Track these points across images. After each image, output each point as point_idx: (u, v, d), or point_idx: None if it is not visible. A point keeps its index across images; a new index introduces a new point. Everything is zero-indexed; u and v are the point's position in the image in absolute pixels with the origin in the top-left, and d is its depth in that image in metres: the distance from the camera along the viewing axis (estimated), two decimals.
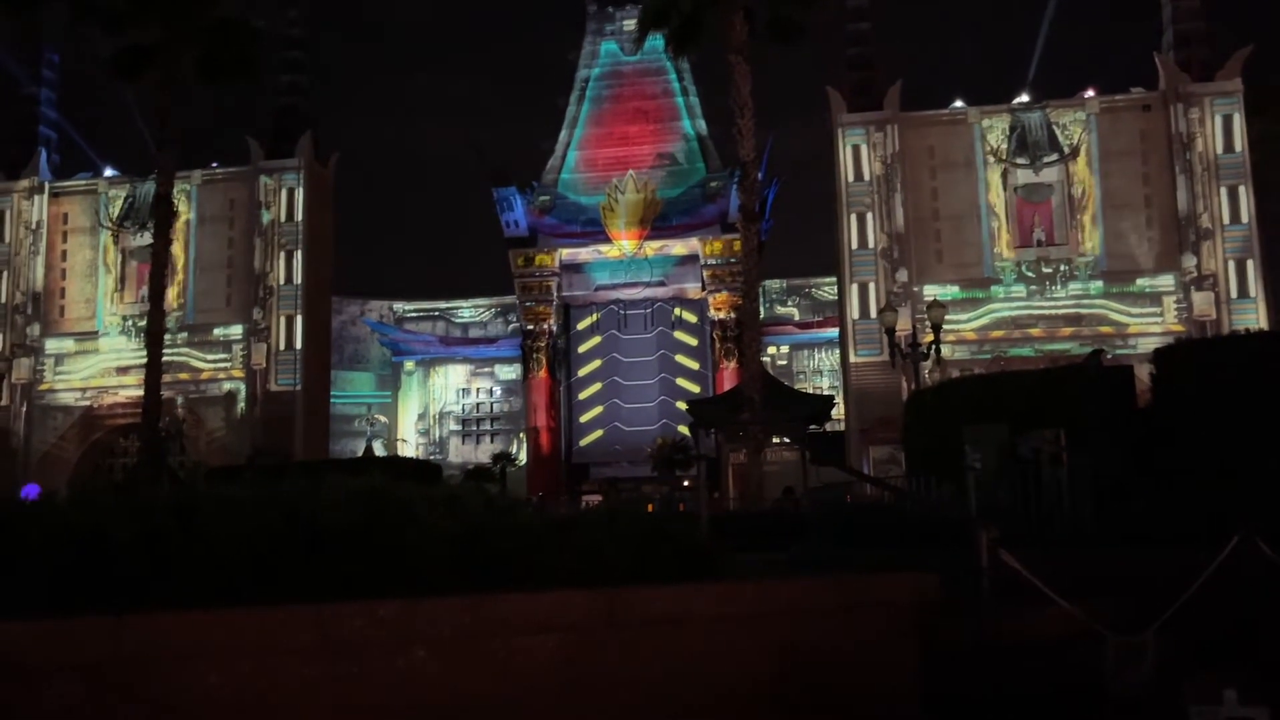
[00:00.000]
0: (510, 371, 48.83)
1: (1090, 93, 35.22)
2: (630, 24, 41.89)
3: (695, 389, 44.42)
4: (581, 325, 46.62)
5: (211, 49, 27.53)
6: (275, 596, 4.38)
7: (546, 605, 4.63)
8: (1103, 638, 5.85)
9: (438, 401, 50.67)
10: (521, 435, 46.63)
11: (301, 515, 4.81)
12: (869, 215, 34.60)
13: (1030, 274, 34.11)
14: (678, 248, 44.18)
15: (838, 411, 36.58)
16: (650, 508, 28.30)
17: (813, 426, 34.72)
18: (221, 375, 37.92)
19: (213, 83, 28.12)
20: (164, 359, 27.92)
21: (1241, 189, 33.23)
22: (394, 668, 4.32)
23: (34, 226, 39.27)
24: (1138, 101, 34.83)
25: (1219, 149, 33.43)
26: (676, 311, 46.16)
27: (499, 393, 50.25)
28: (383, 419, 49.98)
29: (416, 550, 4.78)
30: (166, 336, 29.05)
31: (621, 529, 5.58)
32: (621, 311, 46.24)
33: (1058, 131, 34.58)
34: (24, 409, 38.52)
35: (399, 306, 51.68)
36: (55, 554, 4.57)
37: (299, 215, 37.93)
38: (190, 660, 4.02)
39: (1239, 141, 33.43)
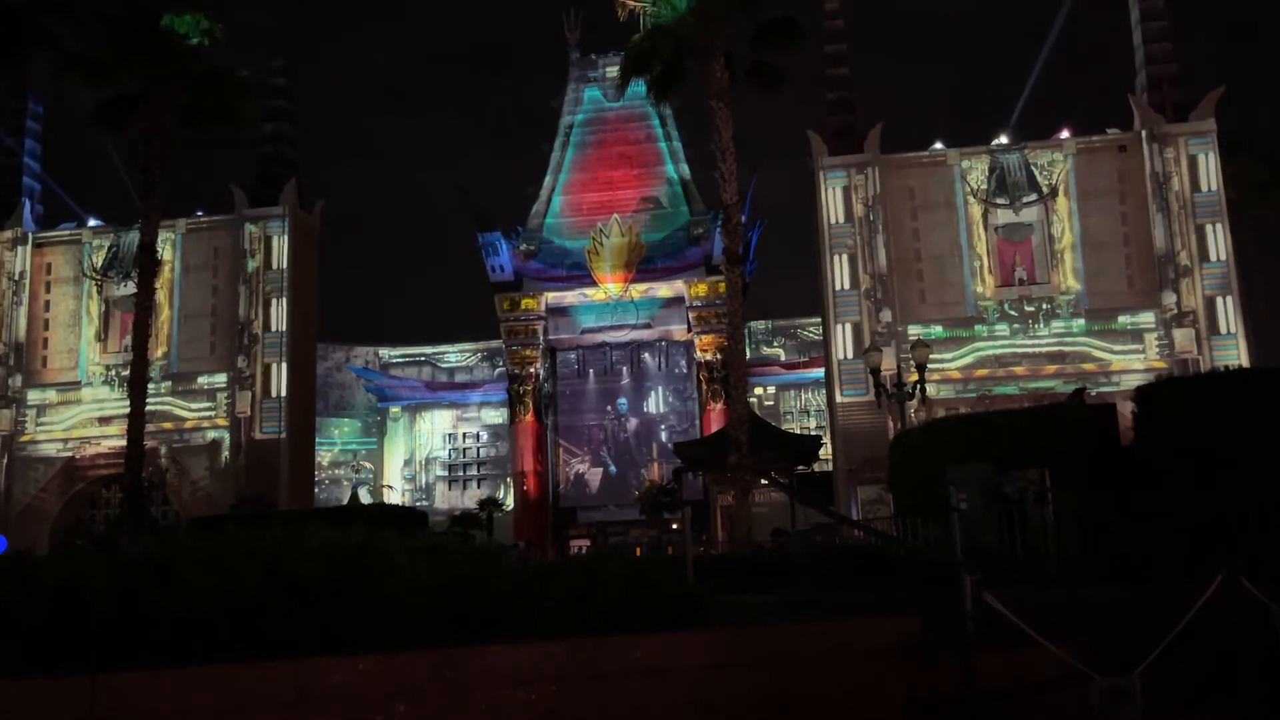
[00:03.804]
0: (497, 416, 48.67)
1: (1065, 133, 35.68)
2: (613, 71, 42.38)
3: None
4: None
5: (197, 99, 27.66)
6: (255, 651, 4.33)
7: (527, 656, 4.59)
8: (1089, 679, 5.82)
9: (424, 447, 50.41)
10: (508, 480, 46.38)
11: (281, 569, 4.77)
12: (852, 256, 34.84)
13: (1013, 312, 34.33)
14: (663, 290, 44.35)
15: (825, 451, 36.56)
16: (639, 551, 28.21)
17: (800, 467, 34.72)
18: (205, 424, 37.66)
19: (198, 133, 28.19)
20: (147, 408, 27.75)
21: (1218, 226, 33.60)
22: None
23: (17, 277, 39.14)
24: (1114, 142, 35.29)
25: (1194, 188, 33.87)
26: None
27: (485, 437, 50.05)
28: (368, 466, 49.69)
29: (397, 602, 4.74)
30: (150, 385, 28.88)
31: (605, 576, 5.54)
32: (608, 354, 46.34)
33: (1036, 172, 34.98)
34: (4, 461, 38.11)
35: (384, 352, 51.58)
36: (32, 611, 4.52)
37: (284, 262, 37.86)
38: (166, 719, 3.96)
39: (1214, 180, 33.85)
